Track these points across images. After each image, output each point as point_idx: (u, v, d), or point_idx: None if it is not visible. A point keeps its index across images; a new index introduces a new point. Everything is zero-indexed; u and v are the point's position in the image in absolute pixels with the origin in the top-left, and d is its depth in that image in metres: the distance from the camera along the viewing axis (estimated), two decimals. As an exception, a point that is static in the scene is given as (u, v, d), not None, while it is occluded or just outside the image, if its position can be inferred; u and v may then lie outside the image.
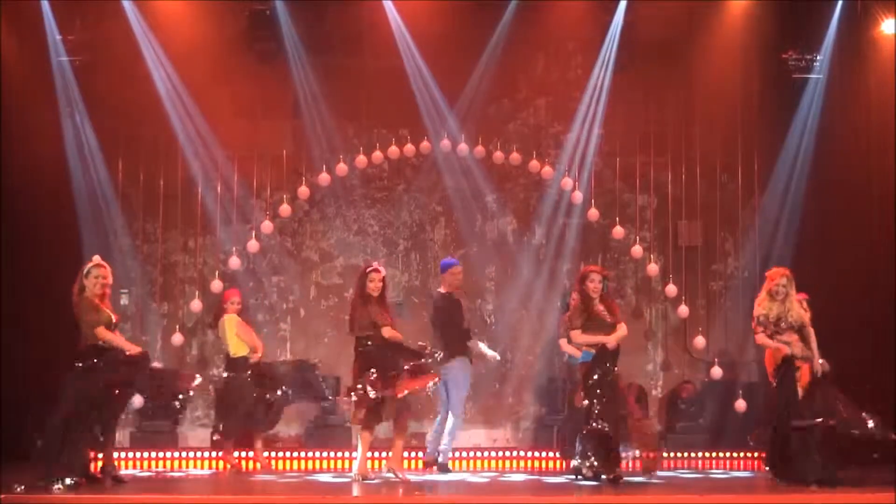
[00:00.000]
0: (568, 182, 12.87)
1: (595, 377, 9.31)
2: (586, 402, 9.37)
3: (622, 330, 9.51)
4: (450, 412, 10.36)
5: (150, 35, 12.20)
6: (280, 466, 11.38)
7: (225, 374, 10.92)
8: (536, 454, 11.74)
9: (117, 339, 9.05)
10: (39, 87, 11.89)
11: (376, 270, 9.55)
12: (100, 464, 9.36)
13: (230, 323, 10.84)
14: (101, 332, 8.92)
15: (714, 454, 11.93)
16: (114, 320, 9.11)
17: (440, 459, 10.47)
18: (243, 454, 11.01)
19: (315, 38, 12.61)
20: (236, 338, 10.80)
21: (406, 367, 9.33)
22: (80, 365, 8.88)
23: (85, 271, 9.02)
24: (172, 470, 11.17)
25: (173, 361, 12.57)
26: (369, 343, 9.44)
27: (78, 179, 12.14)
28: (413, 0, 12.43)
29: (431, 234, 13.16)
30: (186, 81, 12.34)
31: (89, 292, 8.97)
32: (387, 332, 9.42)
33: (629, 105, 13.03)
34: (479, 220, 13.16)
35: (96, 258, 9.19)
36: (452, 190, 13.04)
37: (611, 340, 9.36)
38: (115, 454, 9.62)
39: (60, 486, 8.44)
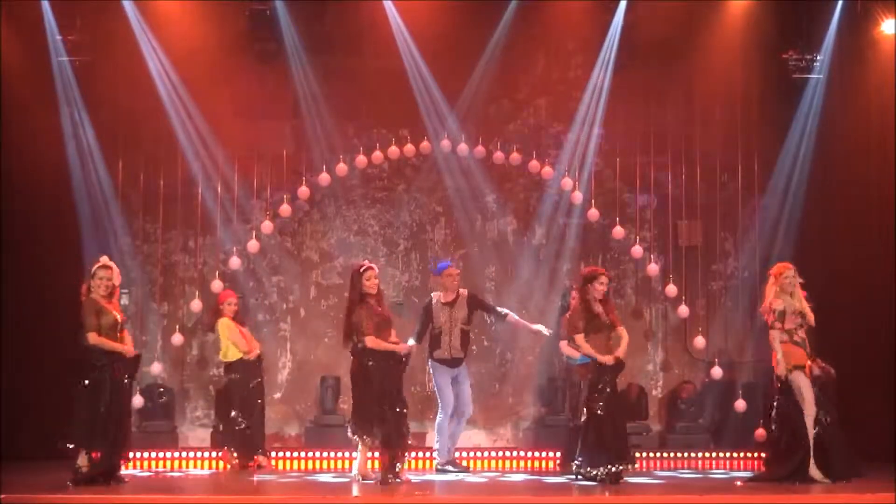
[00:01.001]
0: (568, 182, 12.87)
1: (599, 385, 9.37)
2: (587, 406, 9.43)
3: (624, 339, 9.58)
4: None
5: (150, 35, 12.20)
6: (280, 466, 11.39)
7: (227, 377, 10.95)
8: (537, 454, 11.76)
9: (109, 344, 8.98)
10: (39, 87, 11.89)
11: (370, 268, 9.43)
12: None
13: (223, 328, 10.82)
14: (92, 337, 8.92)
15: (714, 454, 11.95)
16: (120, 320, 9.12)
17: (436, 461, 10.45)
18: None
19: (315, 38, 12.61)
20: (229, 342, 10.80)
21: None
22: (87, 380, 8.94)
23: (91, 272, 9.04)
24: (172, 470, 11.17)
25: (173, 362, 12.58)
26: (365, 357, 9.27)
27: (78, 179, 12.14)
28: (413, 0, 12.43)
29: (431, 234, 13.15)
30: (186, 81, 12.34)
31: (94, 293, 8.98)
32: (370, 341, 9.15)
33: (629, 105, 13.02)
34: (479, 220, 13.15)
35: (104, 259, 9.19)
36: (452, 190, 13.03)
37: (609, 359, 9.39)
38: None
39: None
